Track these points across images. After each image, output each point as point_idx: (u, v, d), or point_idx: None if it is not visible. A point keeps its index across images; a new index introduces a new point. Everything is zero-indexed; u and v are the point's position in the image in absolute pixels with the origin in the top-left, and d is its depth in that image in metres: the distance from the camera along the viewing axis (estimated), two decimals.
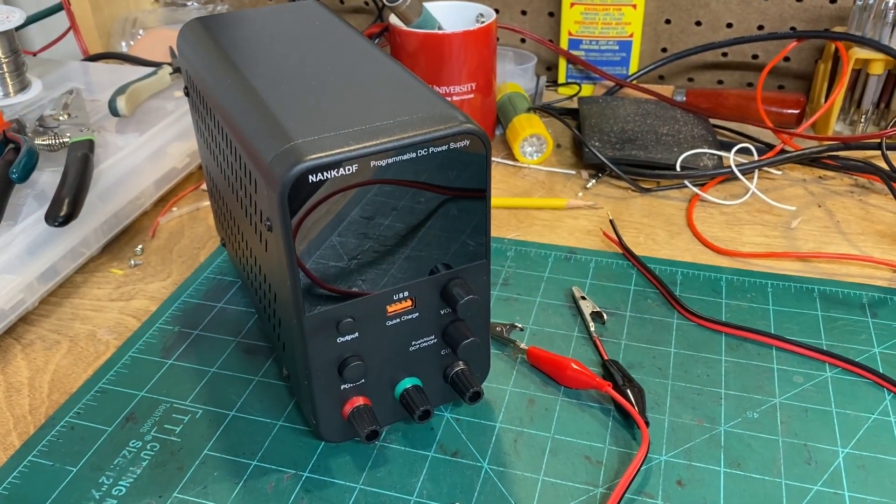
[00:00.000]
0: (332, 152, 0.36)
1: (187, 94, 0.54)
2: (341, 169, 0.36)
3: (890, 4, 0.71)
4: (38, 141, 0.63)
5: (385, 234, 0.40)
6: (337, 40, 0.48)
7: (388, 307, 0.41)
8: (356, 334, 0.41)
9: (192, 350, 0.53)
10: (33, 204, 0.60)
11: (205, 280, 0.60)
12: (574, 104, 0.84)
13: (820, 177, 0.72)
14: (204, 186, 0.72)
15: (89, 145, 0.62)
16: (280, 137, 0.37)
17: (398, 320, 0.42)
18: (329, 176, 0.36)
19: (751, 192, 0.68)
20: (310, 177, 0.35)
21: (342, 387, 0.42)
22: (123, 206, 0.64)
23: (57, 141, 0.64)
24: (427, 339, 0.44)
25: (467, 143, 0.39)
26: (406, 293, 0.41)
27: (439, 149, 0.38)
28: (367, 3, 0.97)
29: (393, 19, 0.74)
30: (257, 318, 0.55)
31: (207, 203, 0.70)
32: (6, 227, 0.56)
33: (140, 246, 0.65)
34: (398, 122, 0.38)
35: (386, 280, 0.41)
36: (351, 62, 0.45)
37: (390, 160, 0.37)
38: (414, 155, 0.38)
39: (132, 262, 0.63)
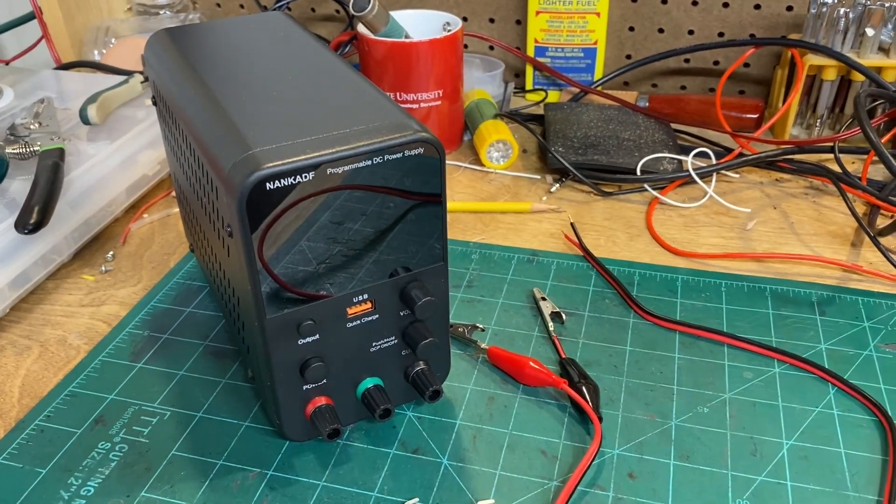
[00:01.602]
0: (289, 161, 0.37)
1: (155, 104, 0.55)
2: (298, 177, 0.37)
3: (841, 13, 0.73)
4: (8, 149, 0.64)
5: (345, 239, 0.41)
6: (300, 51, 0.50)
7: (348, 309, 0.43)
8: (317, 336, 0.43)
9: (161, 354, 0.54)
10: (4, 212, 0.60)
11: (174, 285, 0.61)
12: (541, 110, 0.86)
13: (776, 179, 0.74)
14: (174, 193, 0.73)
15: (59, 153, 0.63)
16: (239, 146, 0.38)
17: (358, 322, 0.44)
18: (286, 183, 0.37)
19: (708, 195, 0.70)
20: (267, 184, 0.37)
21: (304, 387, 0.44)
22: (94, 214, 0.65)
23: (28, 149, 0.64)
24: (387, 340, 0.45)
25: (421, 150, 0.40)
26: (366, 296, 0.43)
27: (394, 156, 0.40)
28: (337, 12, 0.99)
29: (361, 28, 0.75)
30: (224, 322, 0.57)
31: (177, 210, 0.71)
32: None
33: (111, 252, 0.66)
34: (354, 131, 0.39)
35: (346, 283, 0.42)
36: (312, 73, 0.46)
37: (346, 168, 0.39)
38: (370, 163, 0.39)
39: (103, 268, 0.64)
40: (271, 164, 0.37)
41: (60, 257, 0.63)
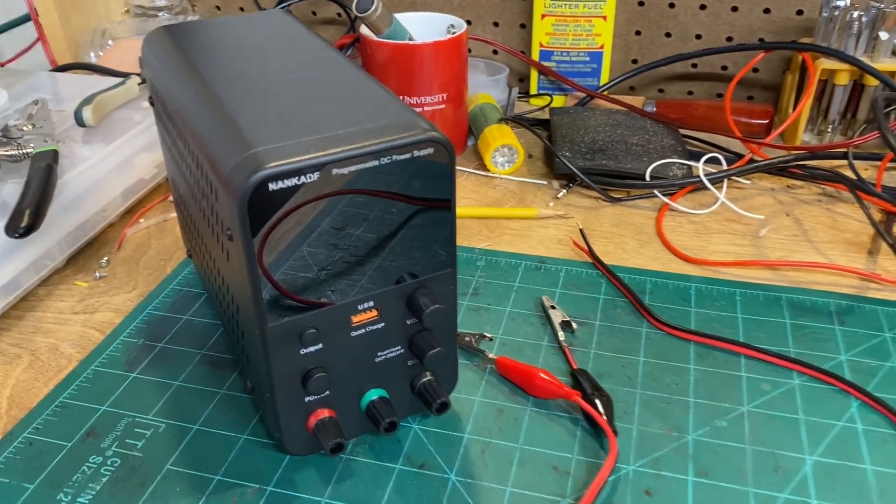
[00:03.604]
0: (293, 160, 0.35)
1: (152, 104, 0.54)
2: (302, 177, 0.36)
3: (855, 16, 0.72)
4: (0, 151, 0.62)
5: (349, 243, 0.39)
6: (303, 49, 0.48)
7: (352, 317, 0.41)
8: (320, 345, 0.41)
9: (156, 363, 0.52)
10: None
11: (171, 292, 0.59)
12: (546, 115, 0.85)
13: (788, 186, 0.72)
14: (171, 198, 0.72)
15: (53, 156, 0.61)
16: (240, 145, 0.37)
17: (363, 331, 0.42)
18: (290, 184, 0.35)
19: (719, 201, 0.68)
20: (270, 185, 0.35)
21: (306, 399, 0.42)
22: (89, 218, 0.63)
23: (20, 151, 0.63)
24: (393, 349, 0.43)
25: (431, 150, 0.38)
26: (371, 303, 0.41)
27: (402, 157, 0.38)
28: (339, 15, 0.97)
29: (364, 30, 0.74)
30: (223, 330, 0.55)
31: (175, 214, 0.70)
32: None
33: (106, 258, 0.64)
34: (361, 130, 0.38)
35: (351, 290, 0.40)
36: (316, 71, 0.45)
37: (352, 168, 0.37)
38: (377, 163, 0.37)
39: (97, 274, 0.62)
40: (274, 164, 0.35)
41: (53, 263, 0.61)
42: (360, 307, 0.41)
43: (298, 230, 0.37)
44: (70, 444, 0.46)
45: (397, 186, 0.39)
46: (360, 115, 0.39)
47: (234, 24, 0.53)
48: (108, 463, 0.45)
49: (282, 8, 0.89)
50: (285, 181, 0.35)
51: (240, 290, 0.40)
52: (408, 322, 0.43)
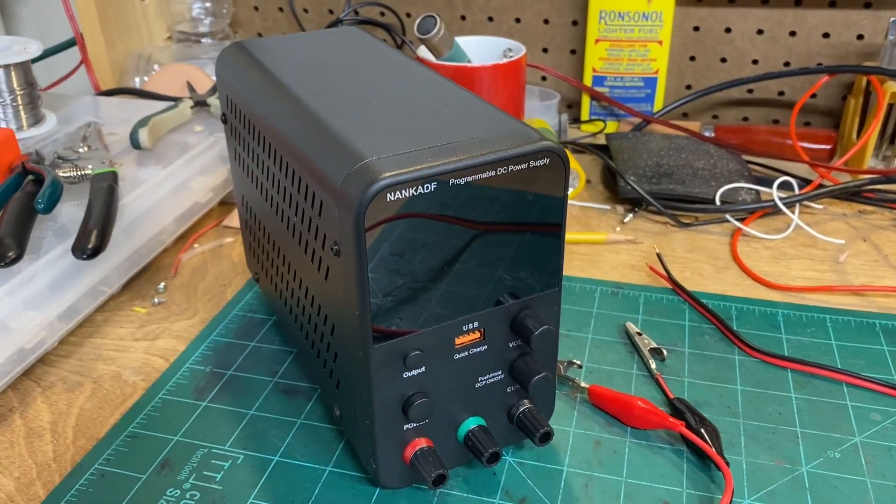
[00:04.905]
0: (411, 169, 0.33)
1: (224, 121, 0.52)
2: (420, 188, 0.34)
3: None
4: (58, 172, 0.60)
5: (453, 260, 0.37)
6: (389, 62, 0.46)
7: (456, 339, 0.39)
8: (423, 368, 0.38)
9: (226, 391, 0.49)
10: (53, 239, 0.56)
11: (234, 318, 0.57)
12: (597, 142, 0.83)
13: (860, 211, 0.70)
14: (226, 222, 0.70)
15: (113, 177, 0.59)
16: (350, 156, 0.35)
17: (466, 353, 0.39)
18: (406, 195, 0.33)
19: (794, 225, 0.66)
20: (388, 195, 0.33)
21: (405, 427, 0.39)
22: (145, 242, 0.61)
23: (78, 173, 0.61)
24: (494, 374, 0.41)
25: (547, 161, 0.36)
26: (476, 323, 0.39)
27: (519, 167, 0.36)
28: (384, 41, 0.96)
29: (422, 52, 0.72)
30: (295, 356, 0.52)
31: (230, 239, 0.67)
32: (28, 260, 0.52)
33: (163, 283, 0.61)
34: (475, 140, 0.36)
35: (454, 309, 0.38)
36: (409, 82, 0.43)
37: (469, 178, 0.35)
38: (493, 173, 0.35)
39: (155, 300, 0.60)
40: (392, 173, 0.33)
41: (110, 288, 0.58)
42: (464, 328, 0.38)
43: (405, 244, 0.35)
44: (145, 477, 0.43)
45: (508, 199, 0.37)
46: (468, 125, 0.37)
47: (310, 40, 0.51)
48: (188, 496, 0.42)
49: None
50: (403, 191, 0.33)
51: (338, 309, 0.38)
52: (511, 345, 0.40)
